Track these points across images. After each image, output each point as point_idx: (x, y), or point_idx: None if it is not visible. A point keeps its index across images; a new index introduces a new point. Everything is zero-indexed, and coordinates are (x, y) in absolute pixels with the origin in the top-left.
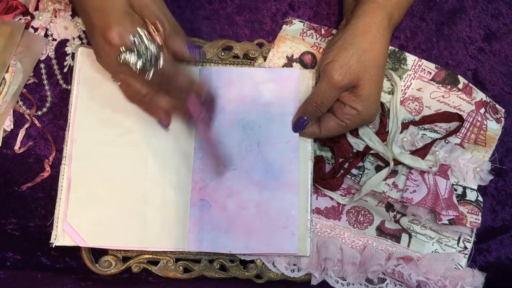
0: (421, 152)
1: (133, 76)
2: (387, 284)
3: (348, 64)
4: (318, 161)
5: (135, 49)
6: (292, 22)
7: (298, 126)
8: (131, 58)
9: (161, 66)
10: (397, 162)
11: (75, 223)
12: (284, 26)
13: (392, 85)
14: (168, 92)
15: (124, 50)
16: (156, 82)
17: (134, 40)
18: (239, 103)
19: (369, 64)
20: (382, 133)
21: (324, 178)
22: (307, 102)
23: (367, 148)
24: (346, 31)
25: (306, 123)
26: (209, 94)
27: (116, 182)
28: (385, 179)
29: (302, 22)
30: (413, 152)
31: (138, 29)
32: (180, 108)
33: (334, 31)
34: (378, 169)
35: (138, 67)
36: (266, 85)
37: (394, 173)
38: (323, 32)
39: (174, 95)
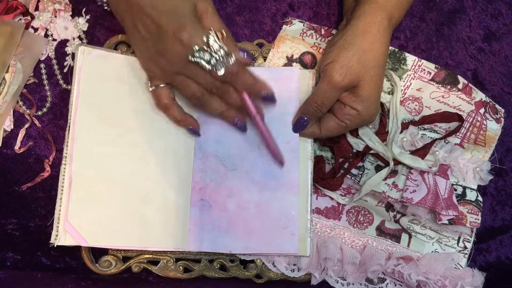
0: (421, 152)
1: (195, 77)
2: (387, 284)
3: (348, 65)
4: (318, 161)
5: (208, 49)
6: (292, 22)
7: (298, 126)
8: (205, 56)
9: (232, 64)
10: (397, 162)
11: (76, 222)
12: (284, 26)
13: (392, 85)
14: (222, 96)
15: (197, 49)
16: (224, 79)
17: (207, 40)
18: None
19: (369, 64)
20: (382, 133)
21: (324, 178)
22: (308, 102)
23: (367, 148)
24: (346, 31)
25: (306, 123)
26: (270, 91)
27: (116, 181)
28: (385, 179)
29: (302, 22)
30: (413, 152)
31: (210, 31)
32: (230, 113)
33: (334, 31)
34: (378, 169)
35: (210, 65)
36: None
37: (394, 173)
38: (323, 32)
39: (233, 96)
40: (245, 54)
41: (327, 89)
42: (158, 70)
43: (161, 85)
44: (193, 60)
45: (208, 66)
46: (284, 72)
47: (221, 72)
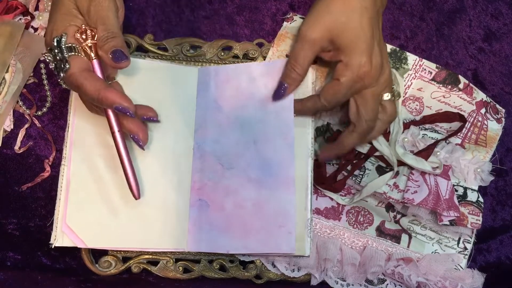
0: (424, 153)
1: None
2: (387, 284)
3: (315, 16)
4: (319, 164)
5: (53, 51)
6: (293, 19)
7: (278, 92)
8: (49, 56)
9: (65, 74)
10: (399, 163)
11: (74, 224)
12: (284, 23)
13: (394, 86)
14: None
15: (48, 49)
16: (69, 86)
17: (54, 42)
18: (236, 100)
19: (337, 10)
20: (384, 134)
21: (325, 183)
22: (284, 65)
23: (372, 150)
24: None
25: (285, 88)
26: (126, 104)
27: (115, 183)
28: None
29: (303, 18)
30: (416, 153)
31: (63, 34)
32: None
33: None
34: (378, 169)
35: (51, 68)
36: (262, 79)
37: (395, 173)
38: None
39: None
40: (115, 56)
41: (298, 45)
42: None
43: None
44: (43, 56)
45: (52, 68)
46: (279, 65)
47: (59, 77)
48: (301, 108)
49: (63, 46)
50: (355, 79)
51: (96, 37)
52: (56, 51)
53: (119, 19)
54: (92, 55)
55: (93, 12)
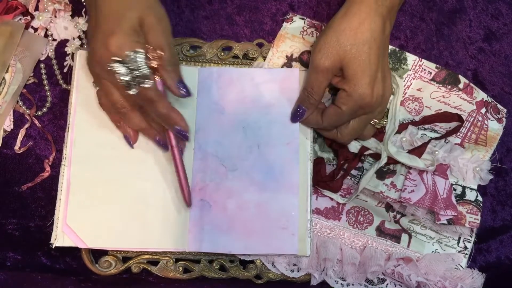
0: (417, 151)
1: (115, 86)
2: (387, 284)
3: (326, 46)
4: (318, 163)
5: (127, 64)
6: (292, 19)
7: (296, 115)
8: (120, 69)
9: (146, 88)
10: (395, 162)
11: (75, 224)
12: (284, 23)
13: (394, 87)
14: (144, 113)
15: (116, 59)
16: (135, 101)
17: (130, 56)
18: (239, 104)
19: (348, 42)
20: (379, 133)
21: (323, 181)
22: (301, 90)
23: (364, 149)
24: (332, 18)
25: (303, 112)
26: (185, 127)
27: (115, 183)
28: (384, 179)
29: (303, 19)
30: (409, 151)
31: (138, 49)
32: (151, 132)
33: None
34: (377, 169)
35: (123, 80)
36: (266, 85)
37: (392, 173)
38: None
39: (151, 119)
40: (181, 87)
41: (312, 74)
42: (91, 68)
43: (97, 88)
44: (108, 68)
45: (122, 80)
46: (284, 73)
47: (132, 91)
48: (303, 124)
49: (142, 63)
50: (356, 108)
51: (161, 59)
52: (134, 66)
53: None
54: (157, 78)
55: (155, 34)
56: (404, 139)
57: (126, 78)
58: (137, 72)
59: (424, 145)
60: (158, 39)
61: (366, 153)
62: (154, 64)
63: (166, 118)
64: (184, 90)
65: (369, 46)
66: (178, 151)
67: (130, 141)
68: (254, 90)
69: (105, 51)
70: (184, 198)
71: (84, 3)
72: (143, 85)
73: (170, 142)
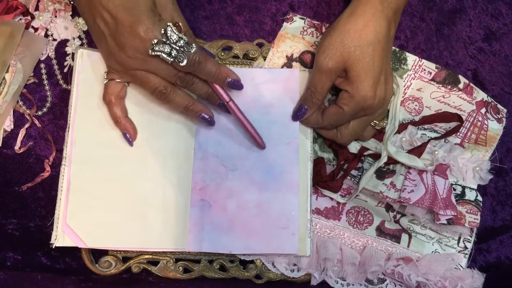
0: (416, 151)
1: (155, 70)
2: (387, 284)
3: (330, 47)
4: (318, 163)
5: (167, 41)
6: (293, 19)
7: (298, 114)
8: (165, 48)
9: (194, 53)
10: (395, 162)
11: (75, 224)
12: (284, 23)
13: (394, 87)
14: (188, 86)
15: (155, 42)
16: (183, 74)
17: (165, 32)
18: (239, 104)
19: (352, 44)
20: (379, 133)
21: (323, 181)
22: (304, 89)
23: (363, 149)
24: (337, 19)
25: (304, 111)
26: (236, 77)
27: (116, 183)
28: (383, 179)
29: (303, 19)
30: (409, 151)
31: (168, 23)
32: (196, 107)
33: None
34: (377, 169)
35: (171, 57)
36: (267, 85)
37: (392, 173)
38: (324, 30)
39: (203, 83)
40: (207, 52)
41: (316, 74)
42: (118, 66)
43: (117, 80)
44: (153, 54)
45: (169, 59)
46: (284, 73)
47: (183, 63)
48: (304, 123)
49: (177, 34)
50: (358, 110)
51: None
52: (174, 38)
53: None
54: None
55: (172, 9)
56: (403, 139)
57: (173, 53)
58: (179, 43)
59: (424, 145)
60: (173, 13)
61: (366, 153)
62: (183, 35)
63: (218, 74)
64: (208, 53)
65: (374, 48)
66: (234, 104)
67: (130, 139)
68: (254, 90)
69: (139, 41)
70: (258, 144)
71: (82, 10)
72: (191, 51)
73: (224, 99)
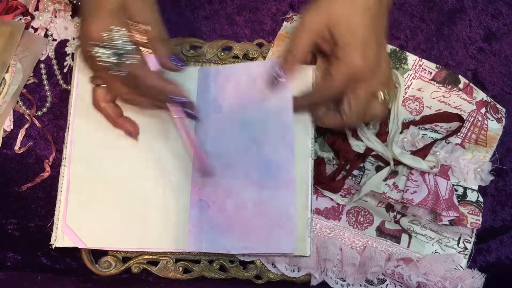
0: (421, 152)
1: (113, 76)
2: (387, 285)
3: (316, 7)
4: (318, 163)
5: (109, 46)
6: (293, 19)
7: (273, 80)
8: (104, 53)
9: (132, 65)
10: (397, 163)
11: (74, 225)
12: (284, 23)
13: (396, 87)
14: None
15: (93, 43)
16: (126, 81)
17: (108, 36)
18: (236, 100)
19: (340, 6)
20: (383, 133)
21: (324, 182)
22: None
23: (368, 150)
24: None
25: (279, 75)
26: (183, 95)
27: (115, 183)
28: (386, 179)
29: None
30: (413, 153)
31: (114, 27)
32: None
33: None
34: (378, 169)
35: (107, 62)
36: (262, 78)
37: (394, 173)
38: None
39: (148, 97)
40: (176, 60)
41: (297, 30)
42: (86, 65)
43: (102, 86)
44: (92, 54)
45: (109, 63)
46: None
47: (120, 71)
48: (295, 105)
49: (123, 40)
50: (347, 73)
51: (148, 33)
52: (116, 45)
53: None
54: (149, 50)
55: (145, 10)
56: (405, 139)
57: (110, 59)
58: (119, 50)
59: (428, 146)
60: (144, 16)
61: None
62: (138, 37)
63: (160, 91)
64: (176, 61)
65: (363, 11)
66: (182, 121)
67: (132, 134)
68: (250, 84)
69: (84, 40)
70: (203, 169)
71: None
72: (129, 62)
73: (172, 114)
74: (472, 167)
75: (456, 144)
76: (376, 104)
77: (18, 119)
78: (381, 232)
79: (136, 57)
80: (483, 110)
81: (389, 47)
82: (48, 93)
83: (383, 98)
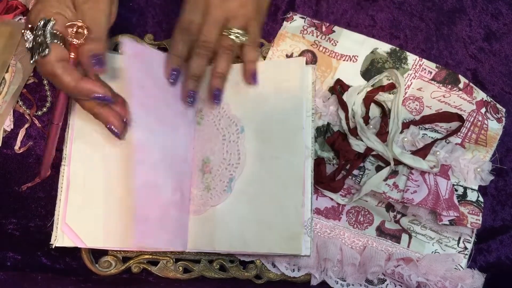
0: (421, 152)
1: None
2: (387, 284)
3: None
4: (318, 163)
5: (34, 32)
6: (293, 18)
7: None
8: (27, 36)
9: (42, 58)
10: (397, 162)
11: (74, 224)
12: (284, 22)
13: (396, 87)
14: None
15: (28, 27)
16: (41, 72)
17: (40, 23)
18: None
19: None
20: (383, 133)
21: (324, 182)
22: None
23: (369, 149)
24: None
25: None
26: (104, 95)
27: (115, 183)
28: (386, 179)
29: (303, 18)
30: (413, 153)
31: (43, 15)
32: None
33: (335, 28)
34: (378, 169)
35: (27, 47)
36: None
37: (394, 173)
38: (324, 29)
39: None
40: (97, 60)
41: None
42: None
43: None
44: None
45: (27, 47)
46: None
47: (32, 60)
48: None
49: (48, 31)
50: (181, 28)
51: (83, 35)
52: (39, 32)
53: (109, 25)
54: (72, 54)
55: (87, 10)
56: (405, 139)
57: (29, 45)
58: (39, 39)
59: (428, 146)
60: (90, 13)
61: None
62: (70, 36)
63: (77, 90)
64: (95, 61)
65: None
66: (56, 129)
67: (115, 131)
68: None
69: (26, 21)
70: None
71: None
72: (42, 55)
73: (54, 118)
74: (472, 167)
75: (456, 144)
76: (248, 49)
77: (18, 119)
78: (381, 232)
79: (48, 50)
80: (483, 110)
81: (389, 47)
82: (48, 93)
83: (233, 37)
